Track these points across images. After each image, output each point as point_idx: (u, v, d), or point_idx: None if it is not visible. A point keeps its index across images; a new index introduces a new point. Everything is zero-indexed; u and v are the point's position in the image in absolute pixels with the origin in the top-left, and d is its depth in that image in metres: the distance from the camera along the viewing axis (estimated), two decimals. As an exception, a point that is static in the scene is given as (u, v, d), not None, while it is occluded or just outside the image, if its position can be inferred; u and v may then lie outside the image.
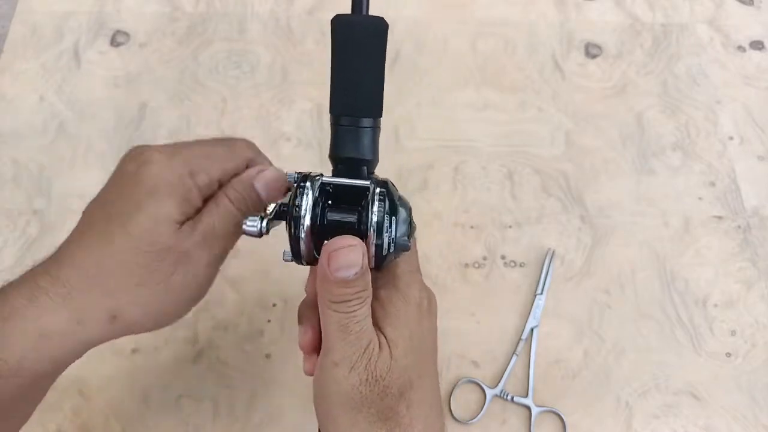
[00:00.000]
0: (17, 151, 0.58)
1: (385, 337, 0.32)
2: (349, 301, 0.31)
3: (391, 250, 0.32)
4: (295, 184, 0.32)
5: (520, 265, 0.55)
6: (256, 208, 0.36)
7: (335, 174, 0.34)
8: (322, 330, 0.33)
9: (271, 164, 0.39)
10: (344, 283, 0.31)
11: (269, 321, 0.52)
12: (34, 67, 0.63)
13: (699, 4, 0.69)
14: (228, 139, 0.38)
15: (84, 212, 0.35)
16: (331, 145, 0.34)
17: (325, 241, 0.31)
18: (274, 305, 0.53)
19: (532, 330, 0.52)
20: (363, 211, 0.32)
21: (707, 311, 0.54)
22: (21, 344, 0.31)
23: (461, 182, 0.59)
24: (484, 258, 0.55)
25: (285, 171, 0.36)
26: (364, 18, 0.32)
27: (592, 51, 0.66)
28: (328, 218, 0.32)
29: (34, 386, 0.34)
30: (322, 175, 0.33)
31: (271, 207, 0.34)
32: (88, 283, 0.32)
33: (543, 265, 0.55)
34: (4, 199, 0.56)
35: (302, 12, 0.66)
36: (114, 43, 0.64)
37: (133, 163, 0.34)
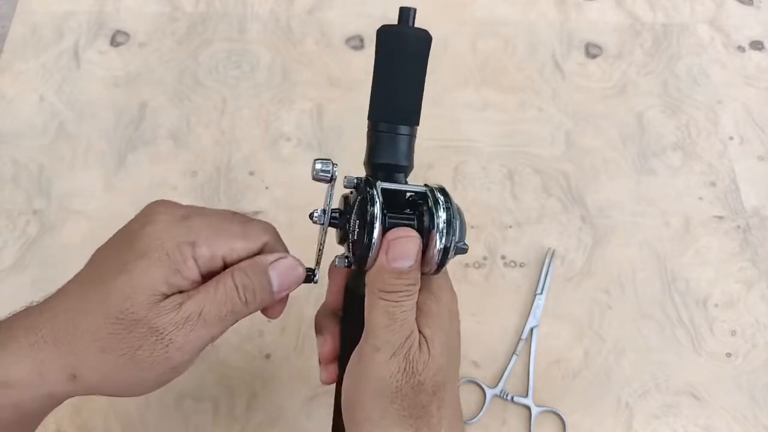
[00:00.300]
0: (17, 151, 0.58)
1: (423, 335, 0.33)
2: (400, 291, 0.32)
3: (450, 256, 0.32)
4: (356, 190, 0.33)
5: (521, 265, 0.55)
6: (263, 299, 0.33)
7: (376, 179, 0.34)
8: (366, 317, 0.33)
9: (287, 252, 0.36)
10: (398, 274, 0.32)
11: (269, 321, 0.52)
12: (34, 67, 0.63)
13: (699, 4, 0.69)
14: (248, 218, 0.35)
15: (89, 260, 0.34)
16: (367, 151, 0.34)
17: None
18: (274, 305, 0.52)
19: (532, 330, 0.52)
20: (422, 216, 0.33)
21: (707, 311, 0.54)
22: None
23: (461, 182, 0.59)
24: (485, 258, 0.55)
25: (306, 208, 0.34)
26: (411, 29, 0.33)
27: (592, 51, 0.66)
28: (389, 223, 0.33)
29: None
30: (378, 180, 0.33)
31: (317, 213, 0.34)
32: (57, 338, 0.31)
33: (543, 265, 0.55)
34: (3, 199, 0.56)
35: (302, 12, 0.66)
36: (114, 43, 0.64)
37: (139, 221, 0.33)
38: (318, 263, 0.36)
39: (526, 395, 0.50)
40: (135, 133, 0.60)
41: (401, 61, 0.33)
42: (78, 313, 0.32)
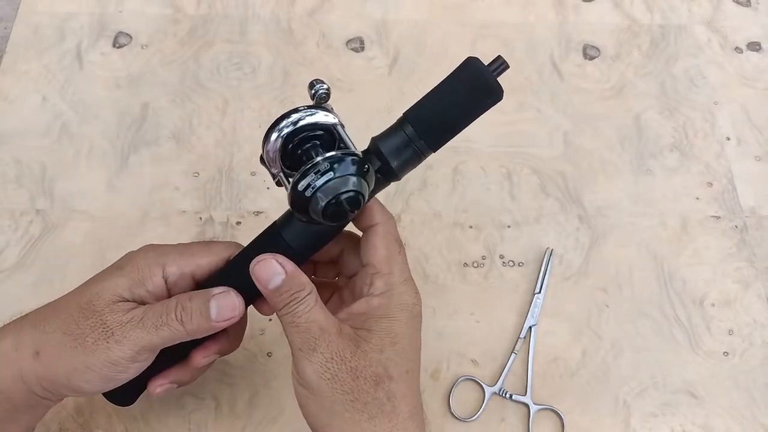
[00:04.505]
0: (20, 152, 0.59)
1: (357, 334, 0.37)
2: (288, 303, 0.36)
3: (307, 194, 0.34)
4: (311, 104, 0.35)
5: (519, 265, 0.56)
6: (200, 323, 0.37)
7: (338, 124, 0.36)
8: (288, 339, 0.37)
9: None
10: (277, 292, 0.36)
11: (270, 319, 0.52)
12: (37, 68, 0.63)
13: (697, 6, 0.70)
14: (215, 241, 0.44)
15: None
16: (381, 134, 0.36)
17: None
18: (274, 304, 0.53)
19: (530, 329, 0.53)
20: (307, 170, 0.34)
21: (705, 311, 0.54)
22: None
23: (460, 182, 0.59)
24: (483, 258, 0.56)
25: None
26: (491, 76, 0.34)
27: (590, 52, 0.67)
28: (296, 144, 0.35)
29: None
30: (343, 126, 0.35)
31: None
32: (36, 321, 0.37)
33: (541, 264, 0.55)
34: (6, 199, 0.57)
35: (303, 14, 0.67)
36: (116, 44, 0.65)
37: (127, 254, 0.40)
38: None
39: (525, 393, 0.50)
40: (137, 133, 0.60)
41: (465, 94, 0.35)
42: (58, 305, 0.38)
